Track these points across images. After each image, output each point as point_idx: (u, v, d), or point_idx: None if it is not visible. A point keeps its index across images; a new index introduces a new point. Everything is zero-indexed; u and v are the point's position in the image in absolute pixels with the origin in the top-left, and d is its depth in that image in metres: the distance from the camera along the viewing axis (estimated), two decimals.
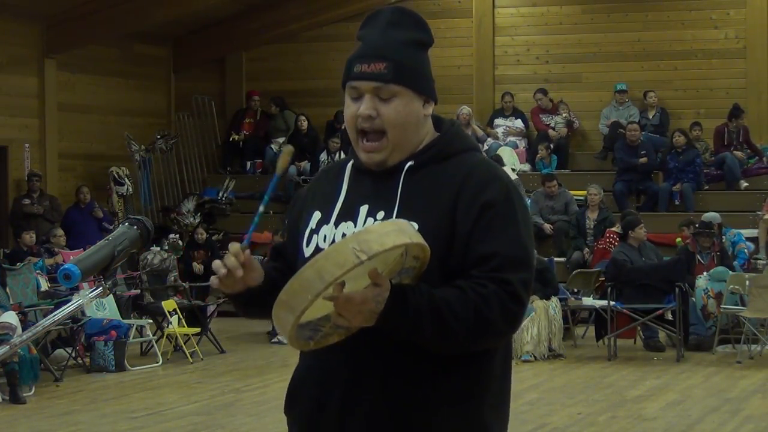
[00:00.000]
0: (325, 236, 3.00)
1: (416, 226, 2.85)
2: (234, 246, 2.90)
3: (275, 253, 3.20)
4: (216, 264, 2.91)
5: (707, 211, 15.86)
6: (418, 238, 2.76)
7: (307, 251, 3.03)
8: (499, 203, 2.91)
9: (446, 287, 2.84)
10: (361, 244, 2.66)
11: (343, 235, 2.96)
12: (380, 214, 2.95)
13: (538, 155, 18.85)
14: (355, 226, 2.97)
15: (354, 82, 2.97)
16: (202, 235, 16.93)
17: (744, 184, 17.90)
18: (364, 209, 2.98)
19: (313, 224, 3.05)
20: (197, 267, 16.23)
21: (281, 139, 20.02)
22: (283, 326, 2.75)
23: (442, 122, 3.08)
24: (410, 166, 2.98)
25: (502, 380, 3.04)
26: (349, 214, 3.00)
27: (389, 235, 2.70)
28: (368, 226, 2.79)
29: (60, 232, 15.74)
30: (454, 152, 3.01)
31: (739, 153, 18.18)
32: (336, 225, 3.00)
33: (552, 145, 18.87)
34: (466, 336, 2.82)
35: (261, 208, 2.90)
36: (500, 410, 3.03)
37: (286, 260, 3.14)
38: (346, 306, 2.72)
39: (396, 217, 2.90)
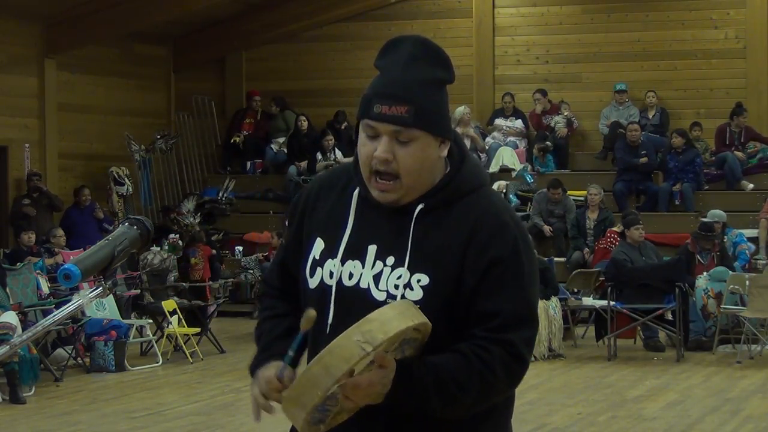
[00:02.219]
0: (331, 272, 2.96)
1: (426, 280, 2.85)
2: (272, 381, 2.91)
3: (281, 269, 3.13)
4: (262, 402, 2.98)
5: (707, 211, 15.82)
6: (420, 318, 2.77)
7: (312, 282, 2.99)
8: (506, 258, 2.88)
9: (449, 354, 2.83)
10: (364, 335, 2.68)
11: (350, 275, 2.93)
12: (390, 260, 2.91)
13: (534, 154, 18.86)
14: (363, 267, 2.93)
15: (373, 122, 2.89)
16: (200, 232, 16.91)
17: (750, 185, 17.86)
18: (372, 249, 2.94)
19: (316, 253, 3.00)
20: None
21: (281, 139, 20.02)
22: (296, 421, 2.79)
23: (451, 153, 2.98)
24: (421, 209, 2.92)
25: (505, 409, 3.11)
26: (356, 252, 2.95)
27: (392, 321, 2.71)
28: (369, 315, 2.75)
29: (60, 232, 15.73)
30: (466, 192, 2.96)
31: (739, 153, 18.17)
32: (343, 262, 2.95)
33: (549, 144, 18.85)
34: (471, 403, 2.85)
35: (291, 353, 2.91)
36: None
37: (290, 277, 3.09)
38: (354, 391, 2.73)
39: (407, 266, 2.88)
